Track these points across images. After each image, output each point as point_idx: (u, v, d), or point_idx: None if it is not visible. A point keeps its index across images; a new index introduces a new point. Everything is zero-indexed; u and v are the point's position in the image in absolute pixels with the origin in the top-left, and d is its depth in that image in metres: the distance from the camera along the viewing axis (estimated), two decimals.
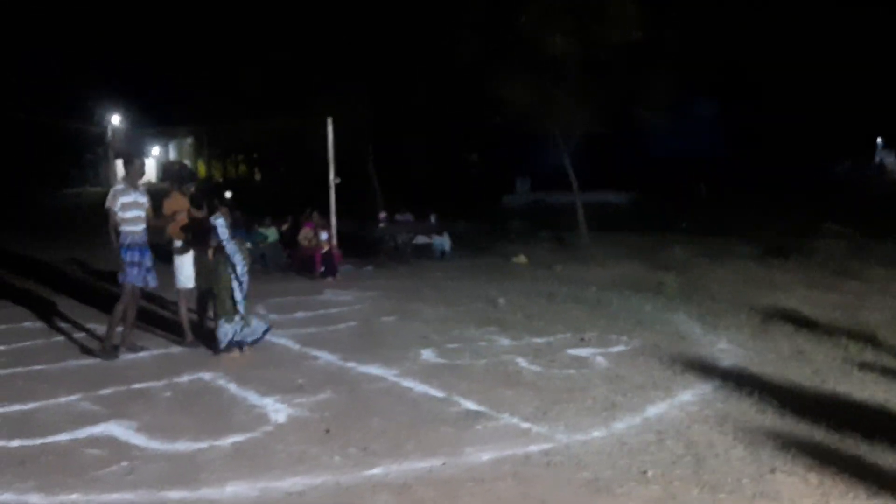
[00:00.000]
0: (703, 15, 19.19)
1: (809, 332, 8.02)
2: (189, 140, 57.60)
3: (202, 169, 53.47)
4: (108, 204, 7.39)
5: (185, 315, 8.00)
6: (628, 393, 6.05)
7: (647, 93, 16.17)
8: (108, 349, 7.38)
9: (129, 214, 7.39)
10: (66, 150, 36.28)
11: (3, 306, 10.48)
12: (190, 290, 8.07)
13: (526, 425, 5.31)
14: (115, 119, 44.32)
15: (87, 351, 7.60)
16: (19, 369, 7.02)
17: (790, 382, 6.27)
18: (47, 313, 9.78)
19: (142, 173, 7.70)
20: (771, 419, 5.36)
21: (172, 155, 62.06)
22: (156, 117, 40.71)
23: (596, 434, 5.15)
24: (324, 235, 13.85)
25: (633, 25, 14.66)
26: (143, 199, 7.54)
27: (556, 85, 15.42)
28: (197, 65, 25.71)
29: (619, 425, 5.32)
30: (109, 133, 18.27)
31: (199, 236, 7.65)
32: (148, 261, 7.51)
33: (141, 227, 7.47)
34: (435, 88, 20.89)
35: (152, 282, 7.62)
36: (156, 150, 59.78)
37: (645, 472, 4.50)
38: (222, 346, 7.31)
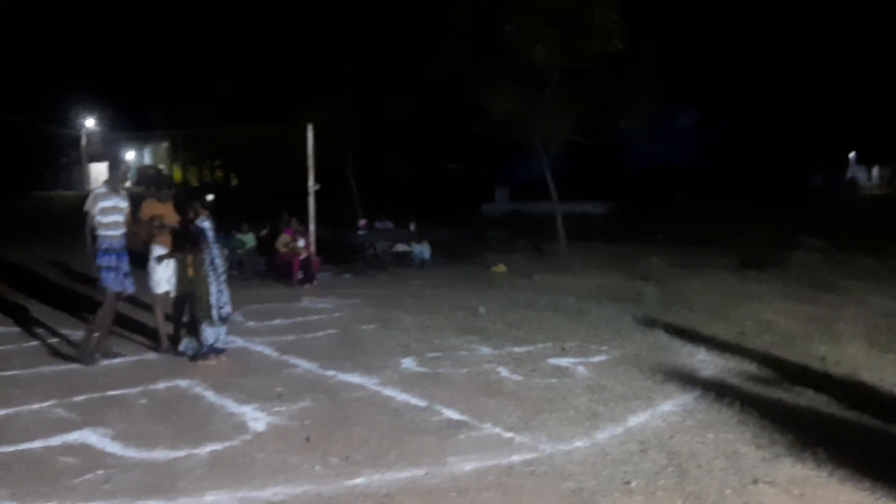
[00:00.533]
0: (683, 27, 19.39)
1: (787, 343, 8.09)
2: (165, 144, 57.03)
3: (177, 174, 52.99)
4: (87, 207, 7.29)
5: (161, 321, 7.88)
6: (610, 403, 6.04)
7: (626, 103, 16.31)
8: (87, 354, 7.24)
9: (108, 219, 7.29)
10: (39, 152, 35.75)
11: None
12: (165, 295, 7.95)
13: (508, 435, 5.28)
14: (90, 122, 43.76)
15: (66, 357, 7.44)
16: None
17: (769, 393, 6.30)
18: (19, 317, 9.60)
19: (126, 178, 7.61)
20: (752, 430, 5.38)
21: (148, 159, 61.42)
22: (131, 121, 40.28)
23: (578, 444, 5.13)
24: (301, 242, 13.76)
25: (614, 36, 14.78)
26: (124, 204, 7.42)
27: (538, 94, 15.50)
28: (174, 69, 25.52)
29: (602, 435, 5.31)
30: (84, 137, 17.98)
31: (183, 240, 7.56)
32: (125, 266, 7.39)
33: (119, 231, 7.36)
34: (416, 96, 20.90)
35: (130, 287, 7.48)
36: (131, 155, 59.09)
37: (628, 483, 4.49)
38: (204, 349, 7.22)
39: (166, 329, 7.91)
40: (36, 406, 5.89)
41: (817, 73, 26.64)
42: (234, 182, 47.66)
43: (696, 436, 5.27)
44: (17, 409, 5.81)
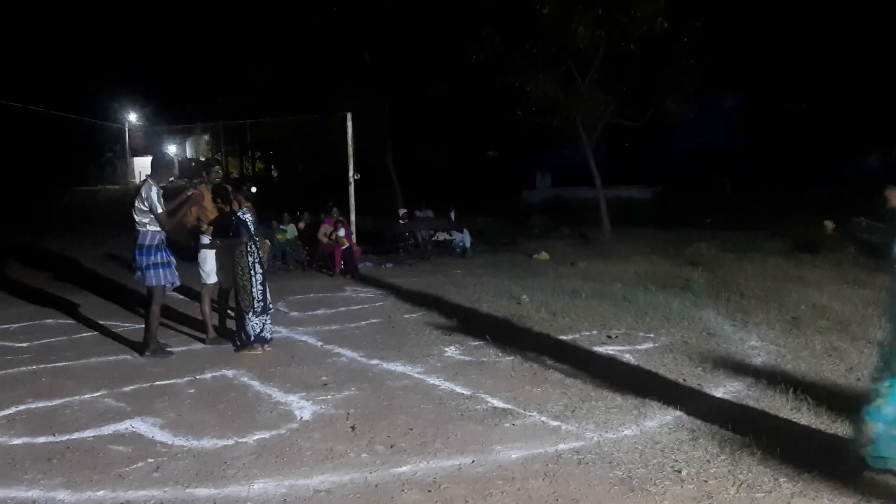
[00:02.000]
0: (729, 5, 18.92)
1: (842, 328, 7.86)
2: (206, 137, 57.82)
3: None
4: (160, 208, 7.09)
5: (207, 311, 7.95)
6: (659, 391, 5.92)
7: (671, 85, 15.99)
8: (155, 349, 7.31)
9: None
10: (85, 147, 36.51)
11: (25, 303, 10.52)
12: (213, 286, 8.02)
13: (555, 423, 5.21)
14: (133, 117, 44.55)
15: (137, 350, 7.48)
16: (43, 366, 7.00)
17: (824, 380, 6.13)
18: (69, 310, 9.80)
19: (171, 172, 7.57)
20: (807, 417, 5.23)
21: (189, 152, 62.35)
22: (173, 115, 40.89)
23: (627, 432, 5.04)
24: (342, 232, 13.81)
25: (658, 16, 14.47)
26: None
27: (579, 77, 15.27)
28: (214, 62, 25.80)
29: (651, 423, 5.20)
30: (127, 131, 18.30)
31: (224, 231, 7.61)
32: (173, 259, 7.39)
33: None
34: (454, 83, 20.77)
35: (177, 280, 7.47)
36: (172, 148, 60.11)
37: (679, 471, 4.39)
38: (251, 339, 7.28)
39: (213, 320, 7.99)
40: (87, 396, 5.99)
41: (870, 47, 25.74)
42: (275, 173, 48.15)
43: (749, 424, 5.13)
44: (69, 398, 5.92)
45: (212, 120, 30.00)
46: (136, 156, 47.36)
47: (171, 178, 7.69)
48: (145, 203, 7.07)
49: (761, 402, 5.60)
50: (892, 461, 4.07)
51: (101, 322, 8.99)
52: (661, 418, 5.31)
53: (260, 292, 7.33)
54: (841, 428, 4.97)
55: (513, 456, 4.63)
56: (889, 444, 4.06)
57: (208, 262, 7.90)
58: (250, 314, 7.29)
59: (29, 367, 6.94)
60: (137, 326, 8.29)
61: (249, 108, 23.51)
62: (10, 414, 5.53)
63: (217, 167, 8.49)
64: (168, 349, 7.42)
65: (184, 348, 7.69)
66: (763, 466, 4.44)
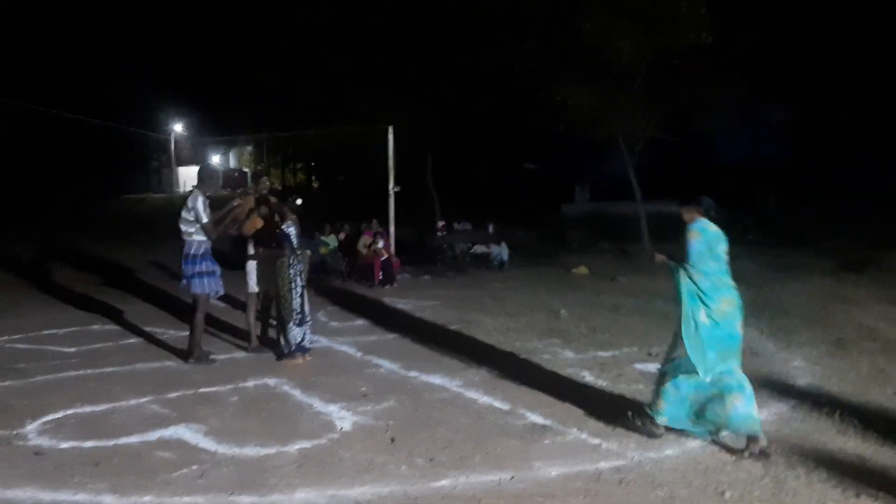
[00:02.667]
0: (773, 17, 18.66)
1: (889, 350, 7.69)
2: (249, 148, 58.71)
3: None
4: (205, 217, 7.23)
5: (252, 320, 8.06)
6: None
7: (714, 98, 15.82)
8: (199, 356, 7.42)
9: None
10: (132, 156, 37.37)
11: (72, 308, 10.77)
12: (258, 295, 8.14)
13: (595, 441, 5.18)
14: (179, 127, 45.46)
15: (181, 357, 7.60)
16: (91, 371, 7.17)
17: (871, 403, 6.00)
18: (115, 315, 10.02)
19: (217, 185, 7.66)
20: (853, 441, 5.13)
21: (233, 163, 63.35)
22: (218, 126, 41.61)
23: (669, 452, 4.99)
24: (381, 243, 13.90)
25: (703, 30, 14.35)
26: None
27: (621, 91, 15.19)
28: (258, 74, 26.19)
29: (693, 443, 5.14)
30: (172, 141, 18.70)
31: (268, 241, 7.73)
32: (218, 268, 7.49)
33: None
34: (495, 96, 20.81)
35: (222, 290, 7.57)
36: (216, 158, 61.11)
37: (722, 493, 4.33)
38: (292, 348, 7.36)
39: (257, 328, 8.10)
40: (133, 402, 6.12)
41: None
42: (315, 184, 48.67)
43: (794, 446, 5.04)
44: (116, 404, 6.05)
45: (255, 131, 30.46)
46: (182, 165, 48.32)
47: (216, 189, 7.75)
48: (191, 213, 7.21)
49: (806, 424, 5.50)
50: None
51: (146, 328, 9.17)
52: (703, 438, 5.24)
53: (299, 304, 7.41)
54: (889, 452, 4.85)
55: (552, 473, 4.62)
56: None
57: (254, 271, 8.01)
58: (291, 324, 7.37)
59: (77, 372, 7.11)
60: (182, 333, 8.44)
61: (292, 119, 23.84)
62: (58, 418, 5.67)
63: (265, 179, 8.67)
64: (212, 357, 7.54)
65: (227, 356, 7.80)
66: (809, 490, 4.37)
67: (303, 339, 7.44)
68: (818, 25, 24.18)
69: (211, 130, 43.85)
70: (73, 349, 8.17)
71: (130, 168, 43.13)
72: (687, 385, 5.09)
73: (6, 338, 8.74)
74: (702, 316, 5.05)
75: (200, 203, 7.24)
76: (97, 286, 12.71)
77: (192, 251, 7.27)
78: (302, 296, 7.46)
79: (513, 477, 4.56)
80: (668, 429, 5.23)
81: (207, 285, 7.31)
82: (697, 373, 5.00)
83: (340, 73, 21.81)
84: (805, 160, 25.55)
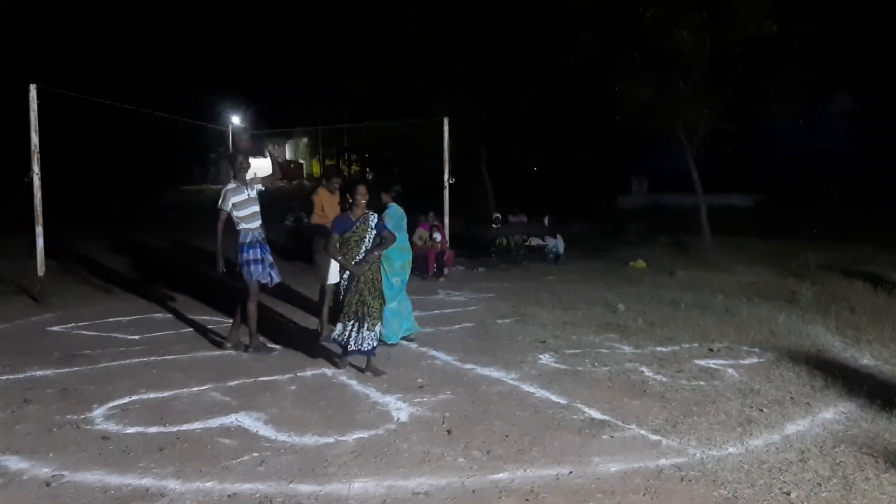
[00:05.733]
0: (840, 3, 18.00)
1: None
2: (305, 140, 59.49)
3: (316, 168, 55.08)
4: (220, 204, 7.39)
5: (325, 311, 8.09)
6: (764, 408, 5.70)
7: (778, 88, 15.34)
8: (258, 346, 7.52)
9: (245, 212, 7.39)
10: (190, 148, 38.18)
11: (135, 297, 11.05)
12: (335, 287, 8.16)
13: (655, 437, 5.08)
14: (236, 119, 46.23)
15: (238, 348, 7.69)
16: (154, 358, 7.35)
17: None
18: (177, 304, 10.25)
19: (245, 168, 7.55)
20: None
21: (289, 155, 64.29)
22: (274, 118, 42.22)
23: (731, 450, 4.87)
24: (437, 236, 13.91)
25: (766, 18, 13.91)
26: (254, 194, 7.51)
27: (681, 81, 14.84)
28: (313, 66, 26.49)
29: (757, 442, 5.01)
30: (230, 133, 19.00)
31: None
32: (269, 256, 7.54)
33: (257, 223, 7.48)
34: (550, 87, 20.59)
35: (276, 277, 7.62)
36: (274, 150, 62.14)
37: (788, 494, 4.20)
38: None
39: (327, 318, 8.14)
40: (195, 389, 6.25)
41: None
42: (370, 176, 48.99)
43: (863, 447, 4.87)
44: (178, 391, 6.18)
45: (311, 124, 30.82)
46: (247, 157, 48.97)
47: (247, 176, 7.67)
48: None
49: (876, 425, 5.30)
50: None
51: (206, 317, 9.36)
52: (767, 437, 5.11)
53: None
54: None
55: (612, 469, 4.55)
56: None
57: (330, 262, 8.05)
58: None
59: (140, 359, 7.30)
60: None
61: (347, 111, 24.03)
62: (124, 403, 5.82)
63: (337, 178, 8.83)
64: (270, 346, 7.64)
65: (286, 345, 7.89)
66: (879, 493, 4.21)
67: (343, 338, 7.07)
68: (887, 12, 23.24)
69: (268, 123, 44.51)
70: (136, 336, 8.39)
71: (189, 160, 44.07)
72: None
73: (73, 325, 9.03)
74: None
75: (224, 191, 7.41)
76: (159, 275, 13.01)
77: (240, 239, 7.38)
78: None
79: (571, 472, 4.50)
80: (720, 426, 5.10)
81: (254, 272, 7.37)
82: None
83: (393, 66, 21.88)
84: (873, 153, 24.59)
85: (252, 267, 7.38)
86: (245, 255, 7.38)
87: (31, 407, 5.72)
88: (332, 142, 47.82)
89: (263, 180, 7.69)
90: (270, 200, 8.12)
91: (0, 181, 19.66)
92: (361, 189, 6.77)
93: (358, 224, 6.71)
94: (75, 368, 6.93)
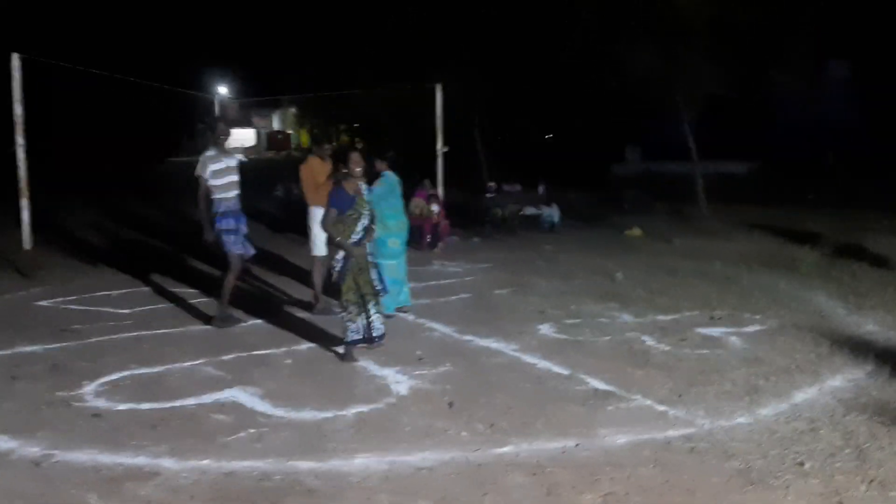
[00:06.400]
0: None
1: None
2: (292, 110, 58.78)
3: (304, 138, 54.50)
4: (197, 171, 7.18)
5: (319, 282, 7.92)
6: (771, 377, 5.59)
7: (779, 54, 15.08)
8: (224, 319, 7.33)
9: (221, 181, 7.17)
10: (177, 120, 37.56)
11: (125, 270, 10.81)
12: (324, 258, 7.99)
13: (662, 408, 4.97)
14: (223, 89, 45.59)
15: (205, 320, 7.57)
16: (145, 332, 7.17)
17: None
18: (168, 277, 10.03)
19: (226, 136, 7.34)
20: None
21: (276, 125, 63.66)
22: (262, 87, 41.56)
23: (741, 420, 4.76)
24: (435, 207, 13.71)
25: None
26: (234, 164, 7.30)
27: (681, 46, 14.53)
28: (301, 34, 25.99)
29: (765, 411, 4.91)
30: (217, 103, 18.66)
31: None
32: (244, 227, 7.35)
33: (234, 193, 7.26)
34: (540, 53, 20.23)
35: (250, 250, 7.43)
36: (260, 121, 61.47)
37: (802, 464, 4.11)
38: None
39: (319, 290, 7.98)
40: (188, 363, 6.09)
41: None
42: (359, 146, 48.55)
43: (874, 415, 4.78)
44: (171, 366, 6.02)
45: (299, 92, 30.35)
46: (232, 127, 48.59)
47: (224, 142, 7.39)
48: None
49: (885, 393, 5.22)
50: None
51: (197, 290, 9.16)
52: (775, 406, 5.01)
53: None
54: None
55: (619, 441, 4.43)
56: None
57: (320, 234, 7.86)
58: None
59: (131, 334, 7.11)
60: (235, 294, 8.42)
61: (336, 80, 23.61)
62: (114, 380, 5.65)
63: (328, 144, 8.61)
64: (236, 318, 7.44)
65: (279, 318, 7.73)
66: (894, 463, 4.11)
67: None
68: None
69: (256, 92, 43.89)
70: (126, 311, 8.19)
71: (177, 131, 43.42)
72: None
73: (62, 299, 8.82)
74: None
75: (201, 159, 7.19)
76: (149, 248, 12.80)
77: (213, 208, 7.19)
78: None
79: (578, 444, 4.39)
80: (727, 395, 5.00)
81: (233, 243, 7.20)
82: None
83: (385, 32, 21.49)
84: (869, 119, 24.39)
85: (225, 237, 7.20)
86: (218, 224, 7.19)
87: (20, 384, 5.55)
88: (321, 111, 47.21)
89: (246, 151, 7.46)
90: (260, 171, 7.89)
91: None
92: (356, 157, 6.25)
93: (357, 199, 6.20)
94: (64, 344, 6.75)
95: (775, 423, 4.72)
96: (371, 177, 7.70)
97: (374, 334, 6.21)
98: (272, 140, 57.23)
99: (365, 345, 6.22)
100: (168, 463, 4.14)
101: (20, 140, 10.05)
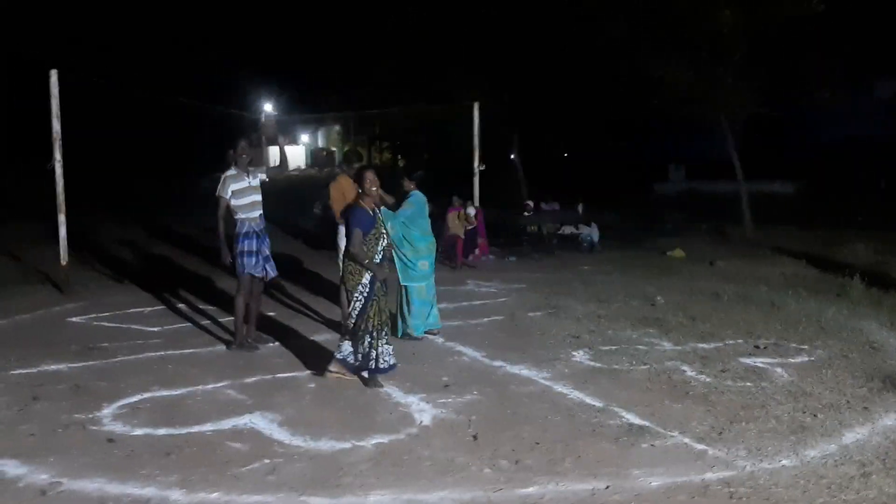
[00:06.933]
0: None
1: None
2: (336, 127, 59.28)
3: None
4: (217, 192, 7.02)
5: (345, 301, 7.75)
6: (818, 413, 5.24)
7: (822, 71, 14.64)
8: (239, 343, 7.15)
9: (243, 201, 7.01)
10: (222, 136, 38.21)
11: (160, 287, 10.81)
12: None
13: (700, 447, 4.66)
14: (267, 106, 46.17)
15: (224, 343, 7.43)
16: (171, 352, 7.09)
17: None
18: (202, 295, 10.00)
19: (246, 155, 7.10)
20: None
21: (321, 142, 64.23)
22: (306, 105, 41.97)
23: (785, 462, 4.43)
24: (472, 210, 13.51)
25: None
26: (256, 183, 7.12)
27: (721, 64, 14.19)
28: (344, 53, 26.18)
29: (812, 453, 4.57)
30: (262, 120, 18.76)
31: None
32: (266, 248, 7.16)
33: (257, 213, 7.09)
34: (579, 71, 20.00)
35: (272, 271, 7.23)
36: (305, 138, 62.09)
37: None
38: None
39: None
40: (210, 386, 5.96)
41: None
42: (401, 163, 48.67)
43: None
44: (193, 388, 5.90)
45: (342, 111, 30.56)
46: (271, 145, 49.18)
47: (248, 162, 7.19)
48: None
49: None
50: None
51: (230, 309, 9.05)
52: (823, 447, 4.66)
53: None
54: None
55: (653, 484, 4.14)
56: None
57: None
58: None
59: (157, 353, 7.04)
60: (268, 314, 8.31)
61: (378, 99, 23.71)
62: (134, 402, 5.55)
63: (358, 162, 8.46)
64: (254, 344, 7.21)
65: (309, 339, 7.59)
66: None
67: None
68: None
69: (300, 110, 44.31)
70: (156, 328, 8.16)
71: (221, 148, 44.17)
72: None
73: (94, 315, 8.84)
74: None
75: (222, 178, 7.03)
76: (186, 264, 12.83)
77: (236, 229, 7.02)
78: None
79: (608, 486, 4.11)
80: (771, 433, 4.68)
81: (247, 265, 7.00)
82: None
83: (424, 53, 21.51)
84: None
85: (245, 259, 7.00)
86: (239, 245, 7.00)
87: (39, 405, 5.48)
88: (363, 129, 47.54)
89: (269, 171, 7.35)
90: (299, 189, 7.79)
91: (23, 168, 19.67)
92: (370, 175, 5.92)
93: (377, 218, 6.00)
94: (90, 363, 6.70)
95: (823, 466, 4.39)
96: (399, 196, 7.57)
97: (383, 366, 5.92)
98: (316, 157, 57.98)
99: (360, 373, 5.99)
100: (176, 495, 3.98)
101: (58, 156, 10.12)
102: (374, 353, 5.87)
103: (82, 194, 13.69)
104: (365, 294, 5.85)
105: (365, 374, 5.99)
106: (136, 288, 10.81)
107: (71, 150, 10.45)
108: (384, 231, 6.03)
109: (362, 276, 5.85)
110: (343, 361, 5.96)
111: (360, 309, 5.84)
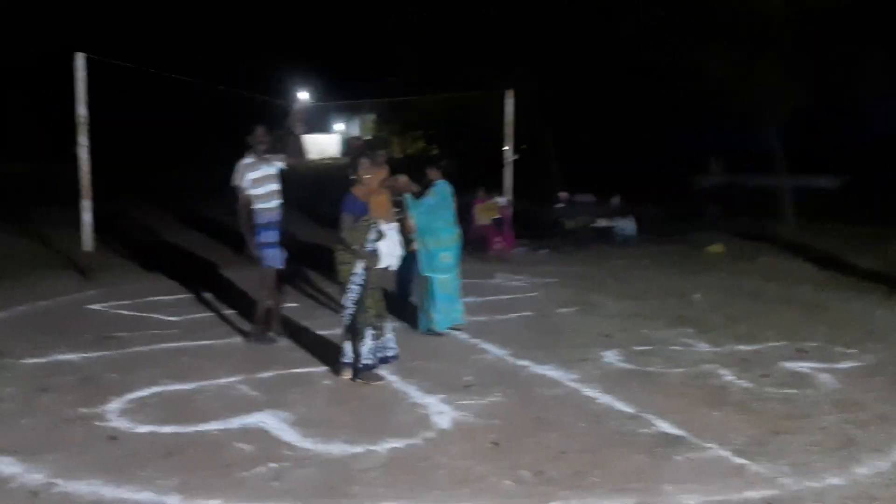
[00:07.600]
0: None
1: None
2: (371, 116, 59.19)
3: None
4: (233, 181, 6.77)
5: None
6: (869, 425, 4.85)
7: (870, 61, 13.96)
8: (257, 335, 6.93)
9: (262, 190, 6.75)
10: (257, 124, 38.35)
11: (185, 275, 10.64)
12: (386, 270, 7.56)
13: (739, 461, 4.30)
14: (303, 95, 46.18)
15: (243, 334, 7.22)
16: (187, 343, 6.89)
17: None
18: (226, 284, 9.80)
19: (263, 142, 6.85)
20: None
21: (355, 131, 64.26)
22: (342, 94, 41.89)
23: (833, 481, 4.06)
24: (503, 200, 13.23)
25: None
26: (273, 171, 6.85)
27: (767, 54, 13.59)
28: (378, 43, 25.98)
29: (862, 470, 4.20)
30: (295, 107, 18.58)
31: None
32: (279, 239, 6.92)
33: (275, 202, 6.82)
34: (614, 59, 19.47)
35: (282, 264, 7.01)
36: (340, 126, 62.16)
37: None
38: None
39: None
40: (223, 381, 5.74)
41: None
42: (435, 152, 48.35)
43: None
44: (205, 383, 5.68)
45: (374, 98, 30.39)
46: (305, 133, 49.19)
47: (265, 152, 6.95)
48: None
49: None
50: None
51: (253, 299, 8.85)
52: (875, 464, 4.28)
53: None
54: None
55: (687, 501, 3.81)
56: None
57: (381, 245, 7.46)
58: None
59: (172, 344, 6.85)
60: (289, 305, 8.06)
61: (412, 87, 23.46)
62: (143, 396, 5.35)
63: (383, 150, 8.20)
64: (274, 337, 6.98)
65: (326, 332, 7.33)
66: None
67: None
68: None
69: (334, 98, 44.32)
70: (175, 318, 7.98)
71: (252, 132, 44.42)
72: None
73: (113, 303, 8.70)
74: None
75: (237, 167, 6.80)
76: (212, 252, 12.66)
77: (255, 220, 6.78)
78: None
79: (638, 503, 3.78)
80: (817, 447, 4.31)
81: (270, 258, 6.78)
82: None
83: (457, 40, 21.19)
84: None
85: (268, 251, 6.77)
86: (261, 237, 6.75)
87: (46, 397, 5.31)
88: (397, 117, 47.37)
89: (287, 159, 7.05)
90: (331, 178, 7.57)
91: (49, 153, 19.77)
92: (365, 163, 5.94)
93: (369, 205, 5.89)
94: (103, 353, 6.53)
95: (873, 485, 4.02)
96: (424, 185, 7.30)
97: (389, 354, 5.86)
98: (350, 145, 58.15)
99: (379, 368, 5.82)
100: (173, 501, 3.74)
101: (83, 141, 10.01)
102: (380, 345, 5.76)
103: (113, 180, 13.60)
104: (358, 283, 5.68)
105: (360, 366, 5.72)
106: (160, 275, 10.65)
107: (101, 135, 10.36)
108: (376, 220, 5.94)
109: (353, 266, 5.70)
110: (356, 366, 5.72)
111: (356, 300, 5.68)
